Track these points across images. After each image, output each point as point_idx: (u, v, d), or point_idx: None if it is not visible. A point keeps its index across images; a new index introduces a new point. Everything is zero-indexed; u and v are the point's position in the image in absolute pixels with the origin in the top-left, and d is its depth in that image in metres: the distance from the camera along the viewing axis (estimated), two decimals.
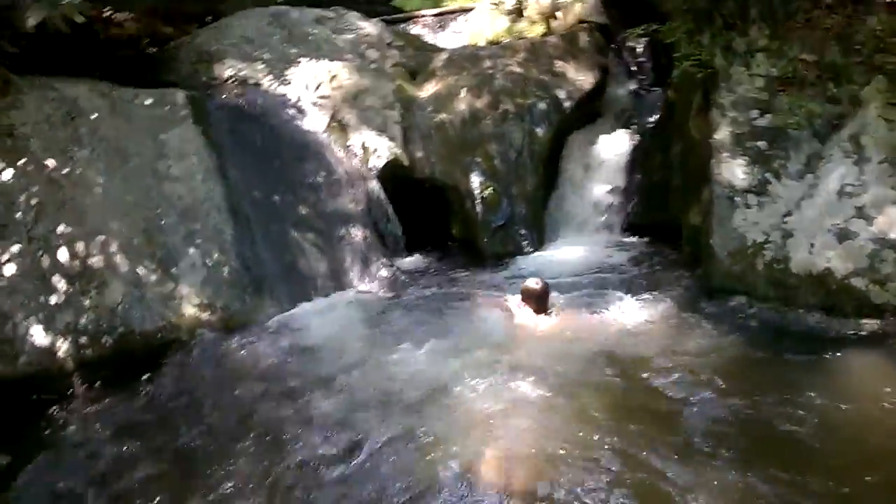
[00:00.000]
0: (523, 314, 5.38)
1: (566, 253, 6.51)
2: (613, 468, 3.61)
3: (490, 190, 6.75)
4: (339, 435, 4.12)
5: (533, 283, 5.42)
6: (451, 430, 4.07)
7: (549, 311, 5.39)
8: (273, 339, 5.43)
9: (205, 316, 5.47)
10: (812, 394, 4.09)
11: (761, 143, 5.39)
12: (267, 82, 6.92)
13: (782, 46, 5.48)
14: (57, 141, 5.66)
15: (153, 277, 5.44)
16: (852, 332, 4.72)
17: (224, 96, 6.79)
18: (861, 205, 4.87)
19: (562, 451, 3.77)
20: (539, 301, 5.38)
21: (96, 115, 5.90)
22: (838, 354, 4.50)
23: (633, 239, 6.72)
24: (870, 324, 4.72)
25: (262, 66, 7.04)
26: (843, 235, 4.87)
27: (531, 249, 6.66)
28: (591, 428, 3.95)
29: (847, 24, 5.31)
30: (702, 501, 3.34)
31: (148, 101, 6.19)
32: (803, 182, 5.18)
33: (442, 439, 3.97)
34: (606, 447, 3.77)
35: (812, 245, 4.97)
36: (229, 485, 3.80)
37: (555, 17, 8.65)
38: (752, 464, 3.57)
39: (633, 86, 7.81)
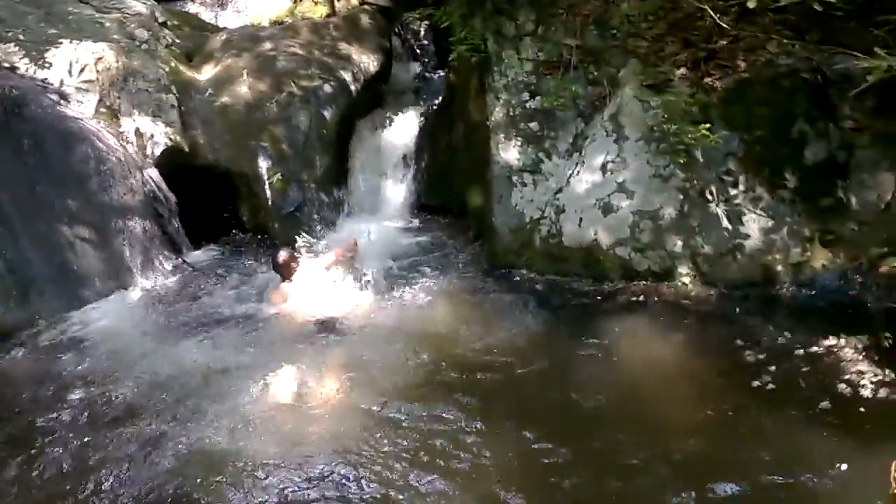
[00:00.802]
0: (294, 299, 5.46)
1: (357, 234, 6.54)
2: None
3: (278, 175, 6.61)
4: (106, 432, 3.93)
5: (280, 254, 5.65)
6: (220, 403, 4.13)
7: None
8: (45, 343, 5.03)
9: None
10: (582, 353, 4.48)
11: (533, 125, 5.71)
12: (23, 66, 6.25)
13: (547, 31, 5.81)
14: None
15: None
16: (620, 296, 5.16)
17: None
18: (622, 180, 5.29)
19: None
20: (286, 269, 5.58)
21: None
22: (607, 317, 4.90)
23: (424, 219, 6.89)
24: (634, 287, 5.19)
25: (17, 48, 6.34)
26: (607, 209, 5.28)
27: (324, 234, 6.62)
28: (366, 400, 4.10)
29: (604, 10, 5.72)
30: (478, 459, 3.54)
31: None
32: (571, 160, 5.56)
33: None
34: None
35: (581, 219, 5.36)
36: None
37: None
38: (517, 421, 3.83)
39: (417, 68, 7.97)
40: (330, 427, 3.87)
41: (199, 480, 3.48)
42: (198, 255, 6.38)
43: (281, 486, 3.42)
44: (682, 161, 4.98)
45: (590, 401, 4.00)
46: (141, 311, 5.57)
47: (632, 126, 5.34)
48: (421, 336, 4.80)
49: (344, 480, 3.44)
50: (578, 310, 5.08)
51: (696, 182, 5.07)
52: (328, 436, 3.79)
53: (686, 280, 5.07)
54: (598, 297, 5.19)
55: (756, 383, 3.99)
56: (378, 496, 3.32)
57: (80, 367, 4.67)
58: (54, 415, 4.11)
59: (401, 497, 3.31)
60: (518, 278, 5.52)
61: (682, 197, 5.09)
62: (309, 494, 3.38)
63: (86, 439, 3.85)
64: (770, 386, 3.97)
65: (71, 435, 3.90)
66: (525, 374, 4.29)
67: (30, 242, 5.50)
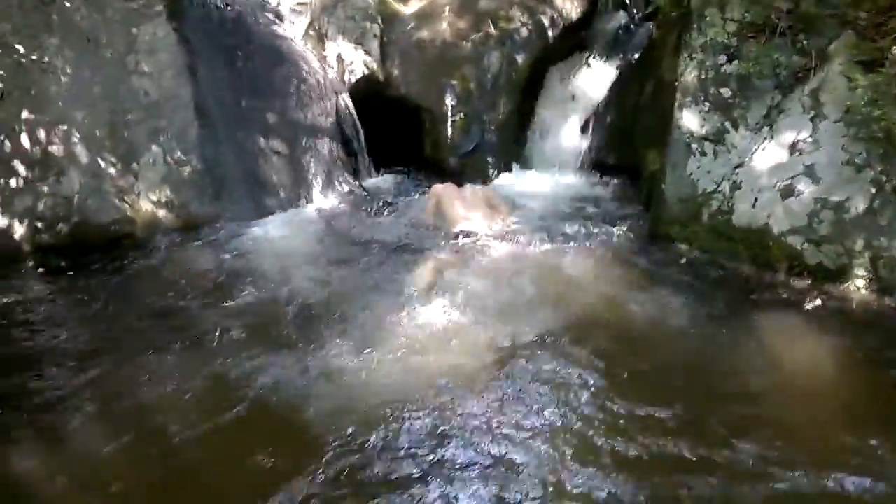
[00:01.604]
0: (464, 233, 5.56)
1: (530, 184, 6.55)
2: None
3: (461, 114, 6.72)
4: (272, 331, 4.24)
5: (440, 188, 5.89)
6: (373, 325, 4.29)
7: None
8: (228, 242, 5.58)
9: (162, 213, 5.59)
10: (727, 342, 4.17)
11: (724, 91, 5.32)
12: None
13: None
14: (27, 26, 5.66)
15: (112, 171, 5.53)
16: (782, 288, 4.77)
17: None
18: (810, 163, 4.82)
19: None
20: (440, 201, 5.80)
21: (69, 3, 5.88)
22: (763, 308, 4.55)
23: (599, 177, 6.73)
24: (800, 281, 4.77)
25: None
26: (788, 192, 4.86)
27: (497, 178, 6.68)
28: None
29: None
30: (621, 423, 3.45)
31: None
32: (759, 134, 5.13)
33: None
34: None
35: (756, 199, 4.98)
36: (155, 373, 3.89)
37: None
38: (638, 395, 3.64)
39: (623, 19, 7.62)
40: (445, 364, 3.93)
41: (315, 395, 3.68)
42: (375, 181, 6.72)
43: (393, 412, 3.51)
44: (880, 151, 4.45)
45: (723, 393, 3.74)
46: (315, 226, 6.00)
47: (833, 105, 4.82)
48: (563, 292, 4.74)
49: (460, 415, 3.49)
50: (735, 295, 4.74)
51: (894, 177, 4.51)
52: (447, 371, 3.84)
53: (860, 283, 4.57)
54: (759, 286, 4.82)
55: None
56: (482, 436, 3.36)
57: (249, 267, 5.13)
58: (218, 308, 4.54)
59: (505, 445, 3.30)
60: (678, 252, 5.26)
61: (874, 190, 4.55)
62: (423, 425, 3.43)
63: (234, 336, 4.20)
64: None
65: (224, 331, 4.24)
66: (662, 352, 4.10)
67: (229, 147, 6.09)
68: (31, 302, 4.70)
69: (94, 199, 5.40)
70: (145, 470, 3.15)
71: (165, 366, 3.89)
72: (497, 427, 3.38)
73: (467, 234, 5.58)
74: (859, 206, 4.62)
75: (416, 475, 3.08)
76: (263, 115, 6.28)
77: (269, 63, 6.42)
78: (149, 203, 5.55)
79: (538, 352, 3.99)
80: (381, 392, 3.63)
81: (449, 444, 3.28)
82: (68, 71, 5.71)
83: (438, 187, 5.96)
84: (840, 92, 4.84)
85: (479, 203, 5.89)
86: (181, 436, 3.31)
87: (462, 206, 5.85)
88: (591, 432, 3.34)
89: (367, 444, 3.25)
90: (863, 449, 3.25)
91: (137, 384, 3.74)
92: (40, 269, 5.13)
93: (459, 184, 6.19)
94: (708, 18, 5.50)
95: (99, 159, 5.53)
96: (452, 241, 5.54)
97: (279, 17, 6.68)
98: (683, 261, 5.18)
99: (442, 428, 3.38)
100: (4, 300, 4.65)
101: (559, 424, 3.41)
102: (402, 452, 3.22)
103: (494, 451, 3.23)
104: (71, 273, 5.04)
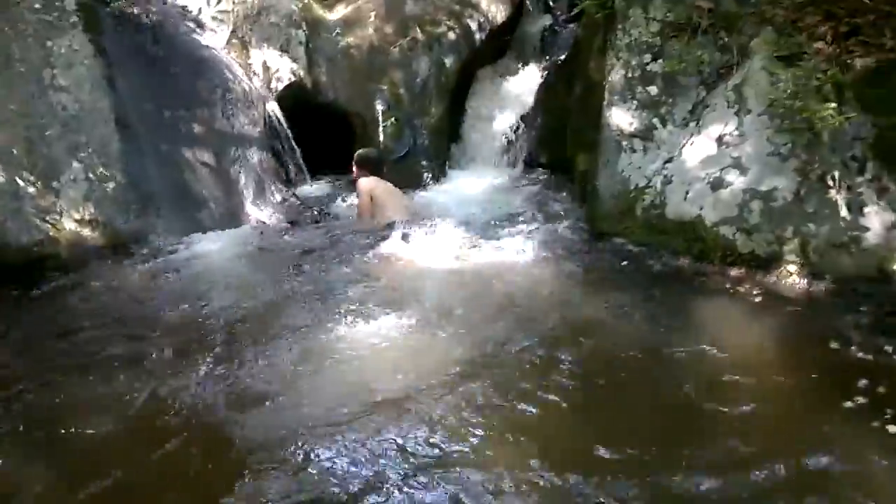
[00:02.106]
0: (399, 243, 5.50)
1: (464, 187, 6.57)
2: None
3: (393, 119, 6.70)
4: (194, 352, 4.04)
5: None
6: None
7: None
8: (156, 259, 5.35)
9: (86, 232, 5.34)
10: (666, 331, 4.19)
11: (651, 89, 5.43)
12: None
13: None
14: None
15: (32, 190, 5.26)
16: (718, 277, 4.85)
17: (119, 4, 6.48)
18: (737, 155, 4.95)
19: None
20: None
21: None
22: (701, 298, 4.64)
23: (533, 177, 6.80)
24: (734, 270, 4.87)
25: None
26: (717, 184, 4.97)
27: (432, 182, 6.68)
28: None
29: None
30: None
31: (36, 6, 5.88)
32: (686, 129, 5.26)
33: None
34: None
35: (687, 192, 5.08)
36: (78, 398, 3.69)
37: None
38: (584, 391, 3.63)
39: (548, 21, 7.75)
40: (397, 375, 3.79)
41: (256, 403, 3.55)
42: (308, 189, 6.63)
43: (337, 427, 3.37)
44: (804, 141, 4.62)
45: (667, 380, 3.73)
46: (247, 238, 5.83)
47: (756, 99, 4.96)
48: (506, 293, 4.71)
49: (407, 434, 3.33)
50: (672, 286, 4.79)
51: (817, 165, 4.65)
52: (395, 380, 3.72)
53: (792, 269, 4.69)
54: (695, 276, 4.88)
55: (848, 403, 3.43)
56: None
57: (179, 285, 4.94)
58: (146, 328, 4.33)
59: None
60: (614, 247, 5.31)
61: (799, 179, 4.69)
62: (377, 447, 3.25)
63: (163, 357, 4.00)
64: (861, 402, 3.44)
65: (153, 353, 4.03)
66: (603, 346, 4.08)
67: (153, 160, 5.89)
68: None
69: (14, 220, 5.11)
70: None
71: (88, 391, 3.68)
72: (437, 445, 3.24)
73: (404, 237, 5.54)
74: (787, 194, 4.75)
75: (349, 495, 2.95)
76: (188, 125, 6.11)
77: (192, 72, 6.25)
78: (72, 222, 5.31)
79: (489, 360, 3.90)
80: (314, 412, 3.47)
81: (385, 464, 3.10)
82: None
83: (367, 182, 5.89)
84: (762, 86, 4.98)
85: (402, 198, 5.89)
86: (105, 463, 3.14)
87: (390, 202, 5.82)
88: (543, 434, 3.30)
89: (296, 464, 3.09)
90: (811, 428, 3.30)
91: (59, 409, 3.52)
92: None
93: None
94: (632, 19, 5.61)
95: (17, 178, 5.25)
96: (390, 248, 5.49)
97: (200, 25, 6.53)
98: (619, 255, 5.21)
99: (379, 447, 3.21)
100: None
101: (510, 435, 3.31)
102: (334, 473, 3.05)
103: (436, 471, 3.07)
104: None
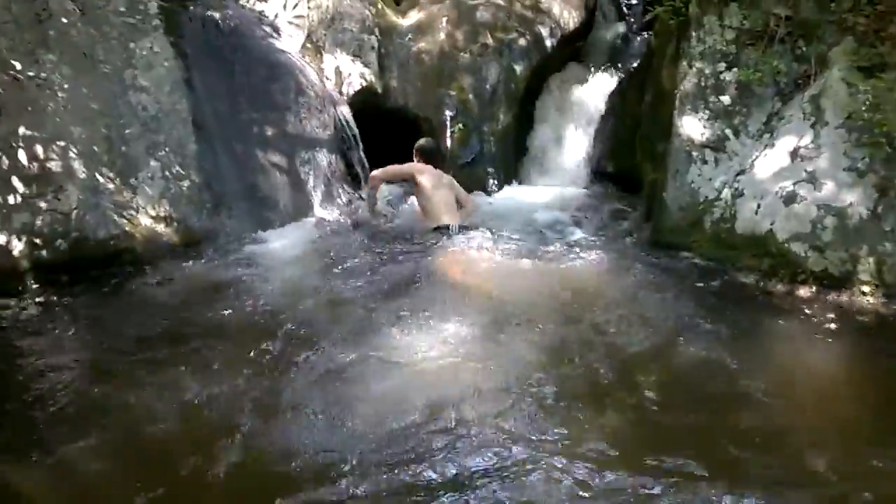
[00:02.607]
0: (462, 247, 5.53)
1: (530, 194, 6.54)
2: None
3: (460, 125, 6.72)
4: (278, 345, 4.13)
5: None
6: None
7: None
8: (227, 256, 5.50)
9: (160, 228, 5.52)
10: (731, 350, 4.07)
11: (724, 98, 5.32)
12: None
13: None
14: (24, 43, 5.64)
15: (111, 186, 5.47)
16: (786, 295, 4.72)
17: (200, 9, 6.70)
18: (812, 169, 4.80)
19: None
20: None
21: (66, 19, 5.87)
22: (767, 316, 4.50)
23: (601, 186, 6.72)
24: (804, 289, 4.72)
25: None
26: (790, 199, 4.83)
27: (497, 188, 6.67)
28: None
29: None
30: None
31: (121, 8, 6.13)
32: (760, 141, 5.13)
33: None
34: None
35: (758, 206, 4.95)
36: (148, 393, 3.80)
37: None
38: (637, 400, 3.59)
39: (621, 28, 7.65)
40: (454, 385, 3.79)
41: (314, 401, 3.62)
42: None
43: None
44: (882, 156, 4.43)
45: (734, 403, 3.64)
46: (315, 237, 5.93)
47: (833, 111, 4.81)
48: (571, 303, 4.64)
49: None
50: (740, 304, 4.68)
51: None
52: (452, 391, 3.71)
53: (866, 289, 4.53)
54: (764, 294, 4.77)
55: None
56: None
57: (248, 282, 5.04)
58: (216, 324, 4.46)
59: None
60: (681, 260, 5.22)
61: (877, 195, 4.53)
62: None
63: (232, 347, 4.14)
64: None
65: (222, 349, 4.15)
66: (670, 361, 4.02)
67: (227, 161, 6.06)
68: (29, 319, 4.64)
69: (93, 214, 5.33)
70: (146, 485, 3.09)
71: (161, 385, 3.76)
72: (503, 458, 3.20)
73: (467, 238, 5.56)
74: (862, 211, 4.59)
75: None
76: (261, 127, 6.26)
77: (267, 76, 6.40)
78: (147, 218, 5.50)
79: (559, 365, 3.90)
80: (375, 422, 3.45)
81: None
82: (65, 87, 5.66)
83: (417, 164, 6.05)
84: (841, 98, 4.83)
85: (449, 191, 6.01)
86: (179, 460, 3.21)
87: (437, 195, 5.95)
88: (611, 441, 3.26)
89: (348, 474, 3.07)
90: (878, 455, 3.17)
91: (131, 404, 3.61)
92: (39, 286, 5.06)
93: None
94: (706, 26, 5.50)
95: (97, 175, 5.47)
96: (451, 252, 5.51)
97: (276, 30, 6.67)
98: (685, 269, 5.12)
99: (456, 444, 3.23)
100: (2, 318, 4.61)
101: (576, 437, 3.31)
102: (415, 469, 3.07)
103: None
104: (69, 289, 4.97)
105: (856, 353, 4.09)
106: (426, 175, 6.01)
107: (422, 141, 6.22)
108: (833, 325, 4.37)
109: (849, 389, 3.81)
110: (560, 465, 3.10)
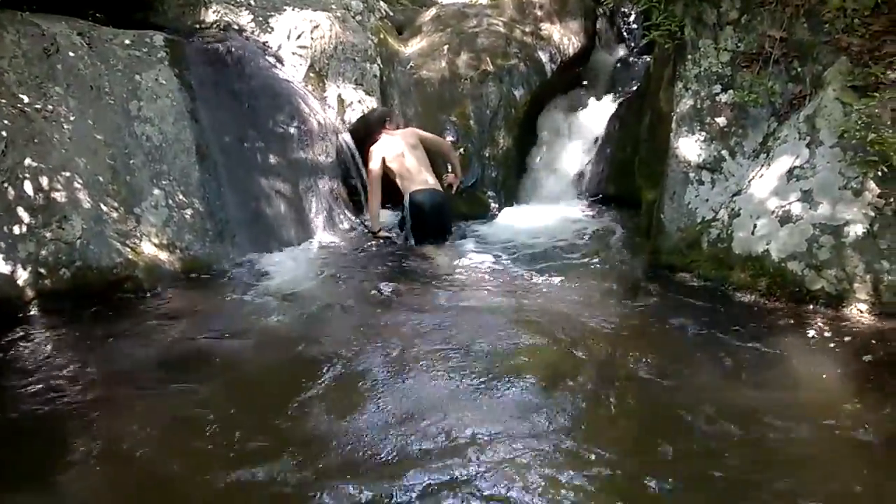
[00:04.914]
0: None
1: (531, 217, 6.56)
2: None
3: (462, 150, 6.78)
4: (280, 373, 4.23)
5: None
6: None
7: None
8: (230, 283, 5.57)
9: (164, 256, 5.60)
10: (728, 369, 4.11)
11: (720, 119, 5.35)
12: (249, 29, 6.93)
13: (752, 21, 5.38)
14: (32, 76, 5.77)
15: (115, 215, 5.56)
16: (784, 314, 4.68)
17: (204, 40, 6.84)
18: (808, 188, 4.79)
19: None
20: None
21: (73, 53, 6.01)
22: (765, 336, 4.45)
23: (600, 209, 6.75)
24: (802, 308, 4.69)
25: (247, 12, 7.04)
26: (786, 218, 4.82)
27: (498, 211, 6.71)
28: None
29: (819, 1, 5.18)
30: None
31: (126, 42, 6.28)
32: (756, 161, 5.14)
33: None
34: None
35: (755, 226, 4.94)
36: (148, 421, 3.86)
37: None
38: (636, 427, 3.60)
39: (621, 52, 7.71)
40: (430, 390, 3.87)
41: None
42: None
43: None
44: (878, 174, 4.42)
45: (731, 422, 3.61)
46: (318, 264, 6.00)
47: (828, 130, 4.80)
48: (569, 327, 4.63)
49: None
50: (737, 324, 4.65)
51: (892, 199, 4.46)
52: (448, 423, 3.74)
53: (863, 307, 4.49)
54: (762, 313, 4.74)
55: None
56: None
57: (251, 309, 5.12)
58: (218, 352, 4.53)
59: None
60: (679, 281, 5.22)
61: (873, 214, 4.50)
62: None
63: (234, 381, 4.19)
64: None
65: (222, 377, 4.22)
66: (660, 382, 4.00)
67: (231, 189, 6.14)
68: (32, 348, 4.71)
69: (97, 243, 5.42)
70: None
71: (163, 413, 3.83)
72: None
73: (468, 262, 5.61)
74: (858, 230, 4.57)
75: None
76: (265, 156, 6.35)
77: (270, 105, 6.51)
78: (151, 246, 5.58)
79: (560, 392, 3.90)
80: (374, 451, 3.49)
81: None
82: (71, 118, 5.79)
83: (375, 146, 6.40)
84: (835, 117, 4.82)
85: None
86: (177, 487, 3.25)
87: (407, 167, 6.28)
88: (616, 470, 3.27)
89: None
90: (877, 476, 3.17)
91: (132, 431, 3.65)
92: (43, 315, 5.15)
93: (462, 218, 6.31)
94: (702, 49, 5.54)
95: (101, 204, 5.57)
96: (453, 275, 5.55)
97: (280, 60, 6.78)
98: (683, 289, 5.13)
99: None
100: (6, 346, 4.67)
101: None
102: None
103: None
104: (73, 317, 5.04)
105: (852, 372, 4.03)
106: (387, 151, 6.35)
107: (365, 114, 6.53)
108: (830, 344, 4.33)
109: (845, 409, 3.72)
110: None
